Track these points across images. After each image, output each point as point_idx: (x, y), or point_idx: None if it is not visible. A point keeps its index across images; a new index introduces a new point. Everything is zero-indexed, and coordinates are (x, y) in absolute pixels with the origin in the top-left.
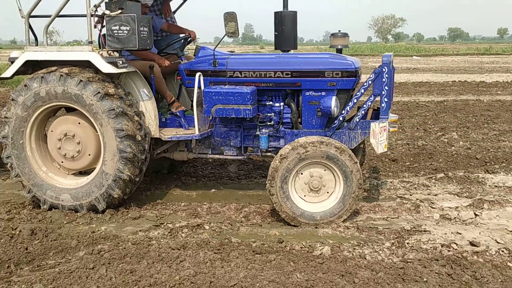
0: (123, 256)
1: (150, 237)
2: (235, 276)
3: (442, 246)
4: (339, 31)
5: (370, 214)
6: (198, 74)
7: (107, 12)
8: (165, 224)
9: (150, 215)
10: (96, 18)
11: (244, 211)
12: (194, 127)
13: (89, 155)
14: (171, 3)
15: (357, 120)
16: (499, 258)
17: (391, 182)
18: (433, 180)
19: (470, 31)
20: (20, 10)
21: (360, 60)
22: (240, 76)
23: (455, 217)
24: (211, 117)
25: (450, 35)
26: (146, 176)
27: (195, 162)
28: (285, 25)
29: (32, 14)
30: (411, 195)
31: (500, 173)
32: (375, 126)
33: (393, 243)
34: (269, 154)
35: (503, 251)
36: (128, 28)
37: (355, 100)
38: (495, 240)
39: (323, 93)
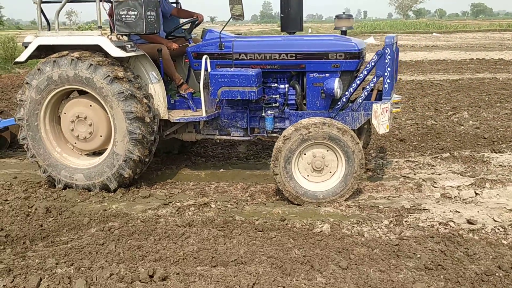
0: (131, 233)
1: (159, 215)
2: (236, 252)
3: (439, 224)
4: (343, 12)
5: (372, 193)
6: (204, 57)
7: None
8: (173, 202)
9: (160, 194)
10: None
11: (250, 190)
12: (201, 109)
13: (101, 136)
14: None
15: (360, 101)
16: (494, 236)
17: (396, 161)
18: (439, 160)
19: (494, 6)
20: None
21: (363, 41)
22: (245, 58)
23: (455, 196)
24: (217, 99)
25: (473, 11)
26: (157, 157)
27: (206, 143)
28: (291, 7)
29: (44, 0)
30: (415, 174)
31: (506, 152)
32: (376, 107)
33: (391, 221)
34: (274, 135)
35: (498, 229)
36: (135, 12)
37: (358, 82)
38: (493, 218)
39: (327, 75)
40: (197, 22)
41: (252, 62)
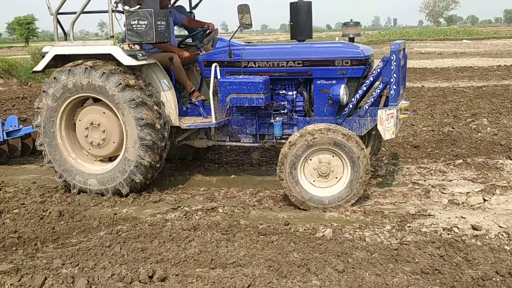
0: (137, 236)
1: (166, 219)
2: (236, 254)
3: (443, 229)
4: (351, 20)
5: (379, 199)
6: (214, 64)
7: (127, 7)
8: (182, 207)
9: (170, 199)
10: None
11: (258, 195)
12: (211, 115)
13: (113, 142)
14: None
15: (367, 107)
16: (497, 242)
17: (407, 168)
18: (451, 166)
19: None
20: (49, 8)
21: (371, 48)
22: (254, 66)
23: (463, 202)
24: (227, 106)
25: (507, 17)
26: (171, 163)
27: (220, 149)
28: (300, 15)
29: (60, 11)
30: (425, 180)
31: None
32: (382, 113)
33: (393, 226)
34: (283, 141)
35: (502, 234)
36: (146, 22)
37: (364, 88)
38: (498, 224)
39: (334, 82)
40: (208, 31)
41: (261, 69)
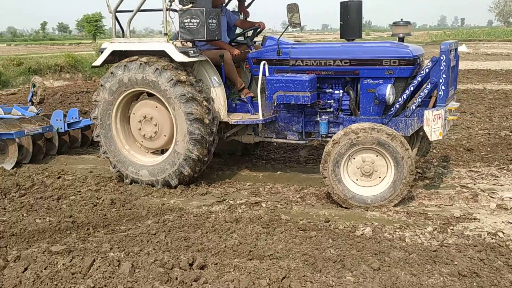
0: (182, 226)
1: (211, 211)
2: (274, 247)
3: (487, 234)
4: (401, 19)
5: (424, 201)
6: (262, 62)
7: (180, 6)
8: (227, 200)
9: (216, 192)
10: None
11: (302, 192)
12: (259, 112)
13: (165, 136)
14: None
15: (413, 108)
16: None
17: (458, 171)
18: (504, 171)
19: None
20: (108, 6)
21: (421, 47)
22: (302, 64)
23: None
24: (274, 103)
25: None
26: (221, 157)
27: (268, 146)
28: (350, 14)
29: (118, 9)
30: (474, 184)
31: None
32: (428, 113)
33: (435, 228)
34: (328, 139)
35: None
36: (197, 20)
37: (411, 88)
38: None
39: (380, 81)
40: (259, 29)
41: (308, 68)
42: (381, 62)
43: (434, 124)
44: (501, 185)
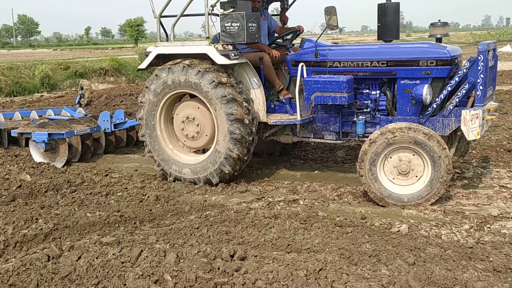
0: (223, 221)
1: (251, 207)
2: (311, 242)
3: None
4: (439, 20)
5: (461, 200)
6: (301, 64)
7: (221, 10)
8: (265, 198)
9: (255, 190)
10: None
11: (339, 191)
12: (297, 113)
13: (206, 135)
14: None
15: (451, 107)
16: None
17: (497, 171)
18: None
19: None
20: (153, 11)
21: (459, 48)
22: (339, 66)
23: None
24: (311, 104)
25: None
26: (260, 157)
27: (306, 146)
28: (388, 16)
29: (163, 14)
30: None
31: None
32: (466, 113)
33: (472, 226)
34: (365, 139)
35: None
36: (238, 24)
37: (449, 88)
38: None
39: (418, 82)
40: (298, 32)
41: (345, 69)
42: (418, 63)
43: (471, 123)
44: None
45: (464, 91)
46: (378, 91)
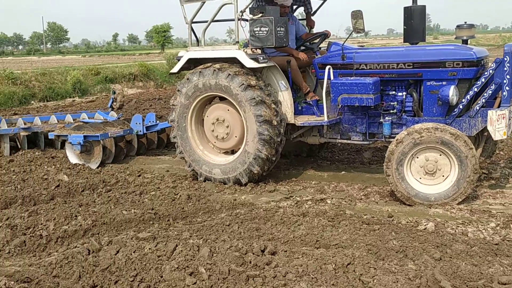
0: (253, 218)
1: (279, 206)
2: (339, 238)
3: None
4: (465, 22)
5: (488, 200)
6: (328, 67)
7: (250, 16)
8: (294, 197)
9: (283, 189)
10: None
11: (366, 190)
12: (324, 114)
13: (236, 136)
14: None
15: (477, 108)
16: None
17: None
18: None
19: None
20: (185, 17)
21: (486, 50)
22: (365, 68)
23: None
24: (338, 105)
25: None
26: (287, 158)
27: (333, 148)
28: (414, 19)
29: (194, 20)
30: None
31: None
32: (492, 113)
33: (498, 224)
34: (392, 140)
35: None
36: (267, 29)
37: (475, 89)
38: None
39: (444, 83)
40: (325, 36)
41: (372, 71)
42: (445, 64)
43: (498, 124)
44: None
45: (490, 92)
46: (404, 93)
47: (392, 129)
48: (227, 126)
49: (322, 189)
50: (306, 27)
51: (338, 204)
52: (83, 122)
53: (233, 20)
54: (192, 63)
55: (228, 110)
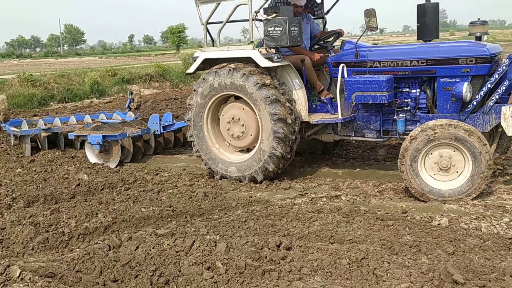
0: (268, 215)
1: (294, 203)
2: (353, 233)
3: None
4: (478, 19)
5: (502, 195)
6: (341, 65)
7: (264, 16)
8: (308, 194)
9: (298, 186)
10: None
11: (380, 187)
12: (338, 112)
13: (251, 135)
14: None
15: (491, 104)
16: None
17: None
18: None
19: None
20: (200, 18)
21: (499, 46)
22: (379, 66)
23: None
24: (352, 103)
25: None
26: (301, 156)
27: (347, 145)
28: (427, 16)
29: (209, 21)
30: None
31: None
32: (506, 109)
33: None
34: (406, 137)
35: None
36: (281, 28)
37: (489, 85)
38: None
39: (457, 79)
40: (339, 35)
41: (385, 69)
42: (458, 61)
43: (511, 119)
44: None
45: (504, 88)
46: (418, 90)
47: (406, 126)
48: (243, 125)
49: (337, 186)
50: (321, 26)
51: (352, 200)
52: (101, 122)
53: (247, 20)
54: (208, 63)
55: (243, 109)
